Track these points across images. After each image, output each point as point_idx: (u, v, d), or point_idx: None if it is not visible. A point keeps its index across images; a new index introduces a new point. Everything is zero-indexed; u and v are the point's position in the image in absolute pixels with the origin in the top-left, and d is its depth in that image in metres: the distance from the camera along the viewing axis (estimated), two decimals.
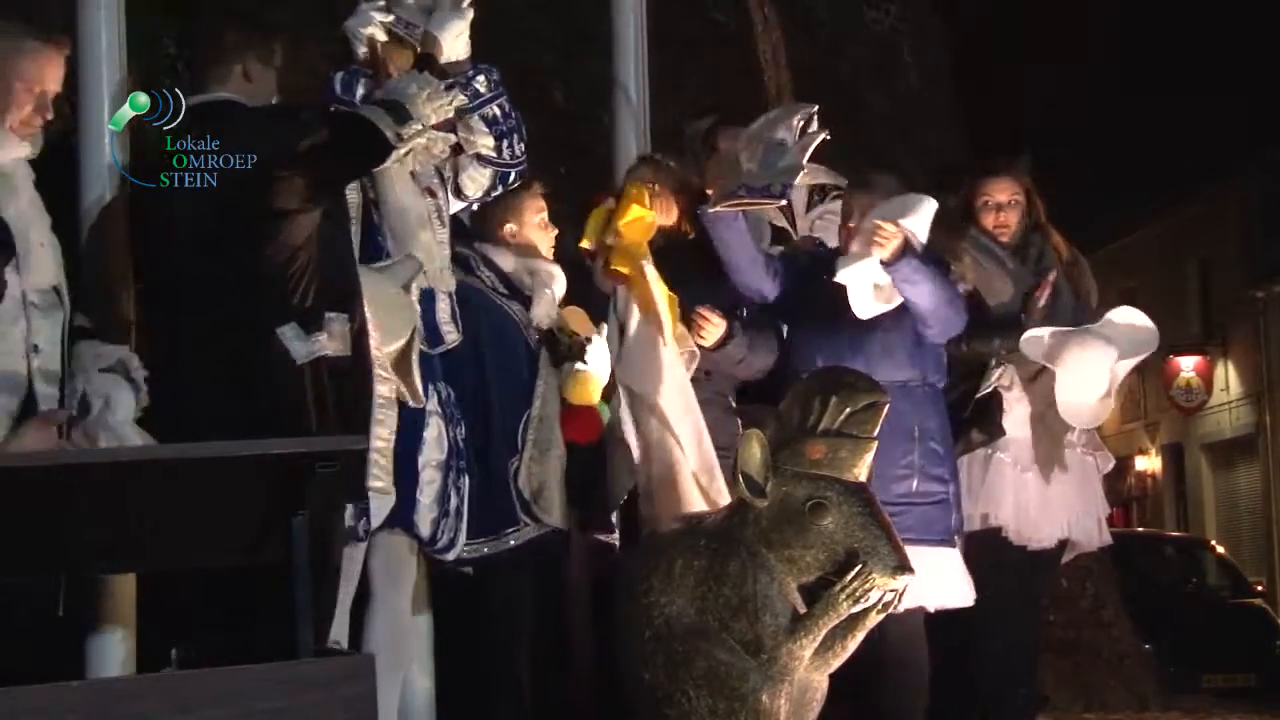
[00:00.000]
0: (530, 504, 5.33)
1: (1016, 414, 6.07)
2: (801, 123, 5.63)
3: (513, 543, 5.33)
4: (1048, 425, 6.06)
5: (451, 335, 5.18)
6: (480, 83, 5.18)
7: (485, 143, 5.21)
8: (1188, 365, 25.94)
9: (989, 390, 6.08)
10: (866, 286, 5.68)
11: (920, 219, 5.68)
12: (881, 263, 5.60)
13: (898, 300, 5.68)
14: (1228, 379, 25.88)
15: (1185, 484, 27.61)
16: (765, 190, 5.53)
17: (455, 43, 5.11)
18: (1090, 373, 5.94)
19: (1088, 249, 6.52)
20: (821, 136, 5.63)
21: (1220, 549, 18.28)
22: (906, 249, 5.58)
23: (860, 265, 5.66)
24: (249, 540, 3.80)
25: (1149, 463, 28.01)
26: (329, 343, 4.60)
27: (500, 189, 5.35)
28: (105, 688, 3.89)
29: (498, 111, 5.20)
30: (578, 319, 5.56)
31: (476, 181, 5.28)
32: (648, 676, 5.04)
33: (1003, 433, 6.05)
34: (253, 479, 3.73)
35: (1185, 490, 27.60)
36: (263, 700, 3.61)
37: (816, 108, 5.74)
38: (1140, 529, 23.58)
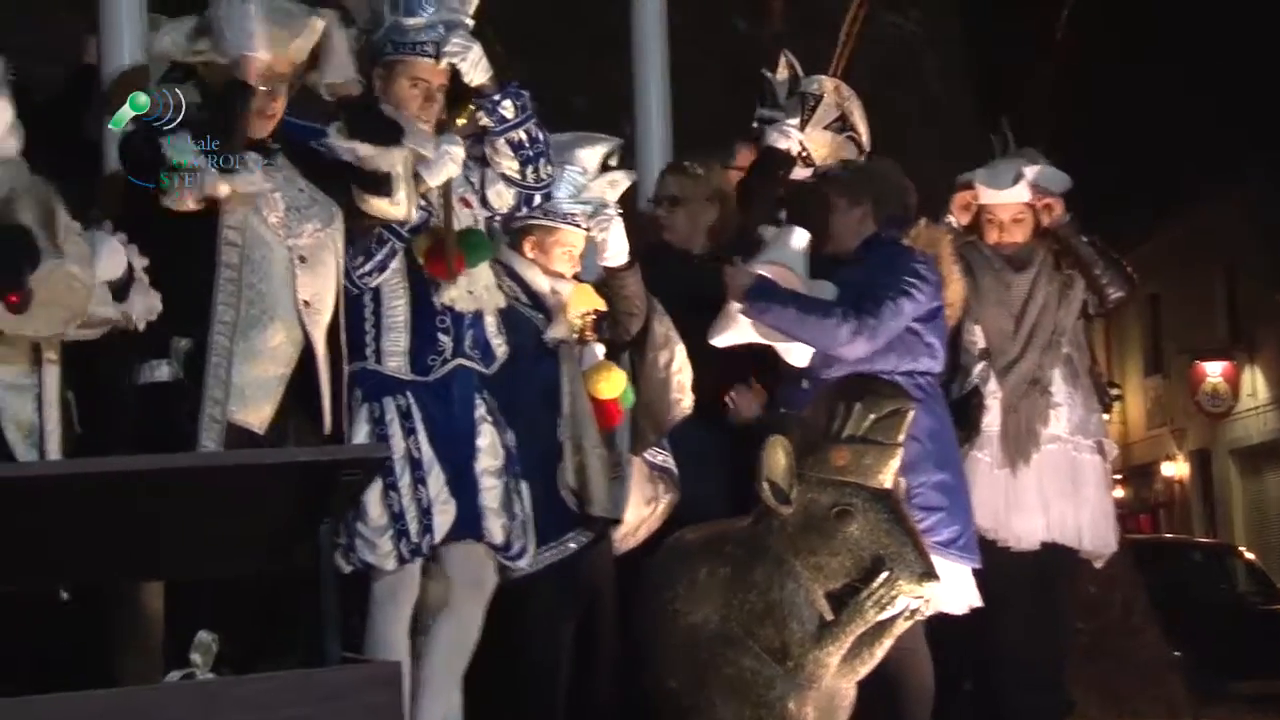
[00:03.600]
0: (580, 502, 5.34)
1: (995, 410, 6.06)
2: (604, 156, 5.63)
3: (572, 546, 5.34)
4: (1018, 418, 6.03)
5: (502, 349, 5.20)
6: (506, 107, 5.17)
7: (510, 165, 5.23)
8: (1214, 371, 25.85)
9: (970, 388, 6.07)
10: (742, 330, 5.67)
11: (778, 252, 5.69)
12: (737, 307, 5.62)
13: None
14: (1255, 384, 25.78)
15: (1213, 490, 27.50)
16: (565, 218, 5.49)
17: (475, 70, 5.11)
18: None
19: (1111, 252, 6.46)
20: (631, 179, 5.70)
21: (1249, 555, 18.20)
22: (752, 291, 5.58)
23: (724, 318, 5.69)
24: (274, 548, 3.81)
25: (1176, 469, 27.92)
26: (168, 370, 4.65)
27: (524, 210, 5.36)
28: (131, 696, 3.89)
29: (524, 136, 5.20)
30: (584, 296, 5.54)
31: (502, 198, 5.29)
32: (673, 684, 5.04)
33: (979, 430, 6.04)
34: (277, 487, 3.73)
35: (1213, 496, 27.49)
36: (289, 708, 3.61)
37: (621, 142, 5.76)
38: (1168, 535, 23.48)
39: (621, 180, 5.64)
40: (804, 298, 5.60)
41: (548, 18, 5.30)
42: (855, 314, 5.54)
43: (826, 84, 6.50)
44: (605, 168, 5.62)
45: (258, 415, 4.68)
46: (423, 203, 5.02)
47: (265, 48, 4.71)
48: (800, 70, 6.51)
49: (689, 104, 6.72)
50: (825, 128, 6.41)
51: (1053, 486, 6.06)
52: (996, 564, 5.91)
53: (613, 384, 5.48)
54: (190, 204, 4.60)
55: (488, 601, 5.12)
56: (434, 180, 4.99)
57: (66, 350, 4.45)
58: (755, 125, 6.45)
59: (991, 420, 6.07)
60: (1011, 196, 6.26)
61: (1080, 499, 6.12)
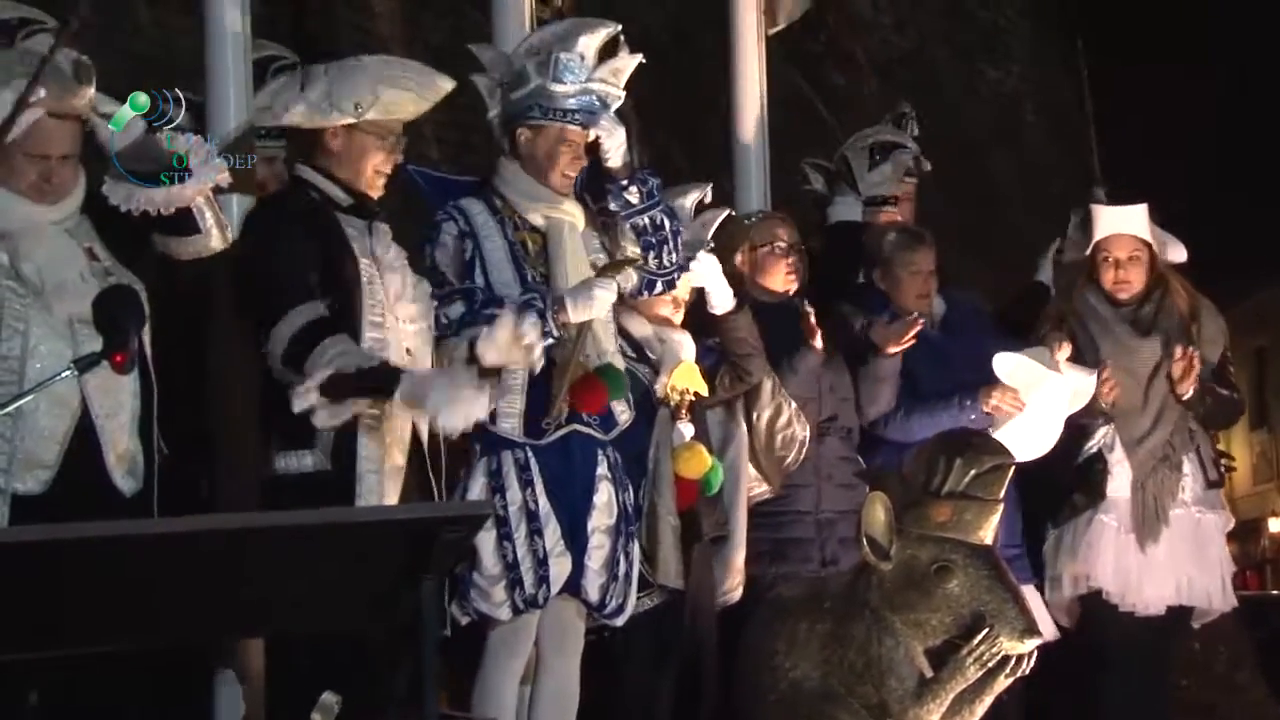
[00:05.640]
0: (645, 566, 5.35)
1: (1119, 476, 5.99)
2: (699, 198, 5.69)
3: (648, 603, 5.36)
4: (1151, 487, 5.96)
5: (625, 416, 5.21)
6: (632, 193, 5.20)
7: (633, 250, 5.24)
8: None
9: (1093, 452, 6.01)
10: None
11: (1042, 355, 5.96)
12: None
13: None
14: None
15: None
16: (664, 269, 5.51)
17: (616, 152, 5.15)
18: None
19: (1216, 306, 6.36)
20: (726, 213, 5.74)
21: None
22: None
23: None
24: (378, 605, 3.83)
25: None
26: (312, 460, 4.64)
27: (645, 295, 5.37)
28: None
29: (647, 223, 5.21)
30: (688, 374, 5.56)
31: (629, 278, 5.30)
32: None
33: (1104, 496, 5.98)
34: (379, 544, 3.75)
35: None
36: None
37: (710, 185, 5.81)
38: (1275, 592, 23.10)
39: (715, 218, 5.67)
40: None
41: (647, 71, 5.31)
42: None
43: (843, 150, 6.69)
44: (697, 210, 5.68)
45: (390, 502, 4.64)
46: (557, 332, 4.97)
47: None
48: (825, 162, 6.75)
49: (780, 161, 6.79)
50: (871, 170, 6.56)
51: (1182, 550, 6.00)
52: (1118, 627, 5.90)
53: (694, 465, 5.49)
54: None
55: (578, 655, 5.15)
56: (575, 317, 4.98)
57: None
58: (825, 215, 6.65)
59: (1118, 485, 5.99)
60: (1130, 224, 6.09)
61: (1211, 558, 6.06)
